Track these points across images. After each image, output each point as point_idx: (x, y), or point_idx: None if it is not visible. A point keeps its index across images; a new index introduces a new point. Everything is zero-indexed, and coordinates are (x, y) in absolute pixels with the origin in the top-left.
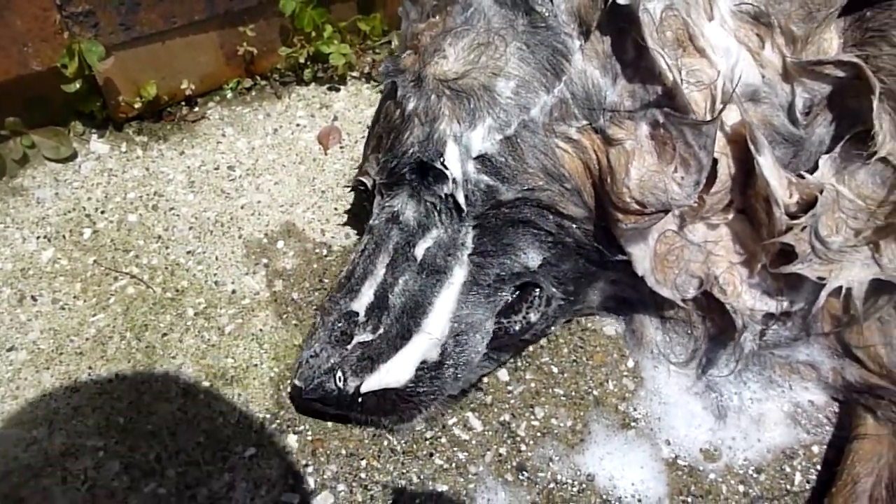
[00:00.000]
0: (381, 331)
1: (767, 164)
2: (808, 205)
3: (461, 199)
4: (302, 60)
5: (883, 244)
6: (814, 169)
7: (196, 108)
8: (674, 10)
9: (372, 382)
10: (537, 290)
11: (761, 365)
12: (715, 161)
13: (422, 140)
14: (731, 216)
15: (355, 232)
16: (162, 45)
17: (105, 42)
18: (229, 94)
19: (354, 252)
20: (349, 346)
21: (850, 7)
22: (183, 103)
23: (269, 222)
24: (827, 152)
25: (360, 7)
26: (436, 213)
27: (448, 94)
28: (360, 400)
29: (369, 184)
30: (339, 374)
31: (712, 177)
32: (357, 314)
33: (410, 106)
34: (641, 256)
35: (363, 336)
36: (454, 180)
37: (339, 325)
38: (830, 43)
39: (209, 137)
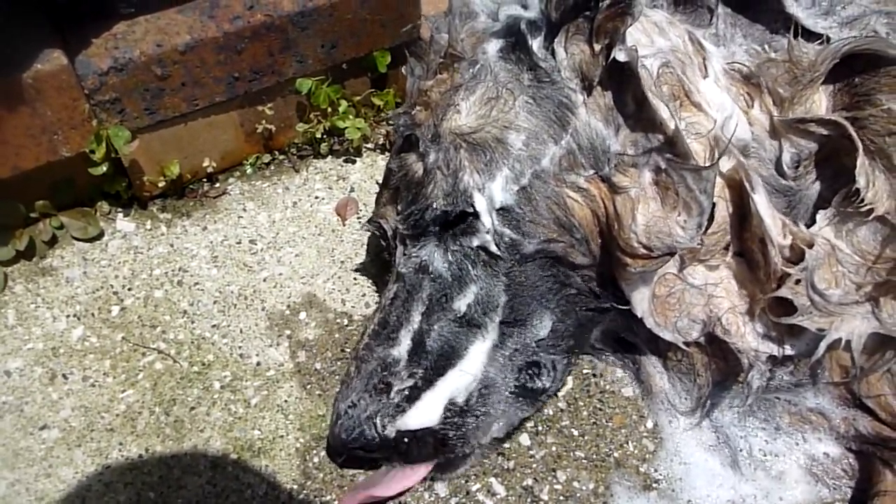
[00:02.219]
0: (419, 374)
1: (762, 201)
2: (802, 254)
3: (495, 249)
4: (318, 135)
5: (882, 300)
6: (812, 223)
7: (217, 185)
8: (670, 67)
9: (408, 421)
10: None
11: (768, 413)
12: (713, 204)
13: (447, 191)
14: (729, 258)
15: (375, 301)
16: (184, 126)
17: (130, 126)
18: (249, 170)
19: (383, 299)
20: (390, 394)
21: (840, 75)
22: (205, 180)
23: (291, 294)
24: (825, 207)
25: (373, 82)
26: (470, 267)
27: (465, 146)
28: (401, 443)
29: (387, 227)
30: (378, 420)
31: (710, 218)
32: (397, 361)
33: (431, 159)
34: (640, 299)
35: (404, 383)
36: (487, 231)
37: (378, 372)
38: (819, 105)
39: (231, 213)
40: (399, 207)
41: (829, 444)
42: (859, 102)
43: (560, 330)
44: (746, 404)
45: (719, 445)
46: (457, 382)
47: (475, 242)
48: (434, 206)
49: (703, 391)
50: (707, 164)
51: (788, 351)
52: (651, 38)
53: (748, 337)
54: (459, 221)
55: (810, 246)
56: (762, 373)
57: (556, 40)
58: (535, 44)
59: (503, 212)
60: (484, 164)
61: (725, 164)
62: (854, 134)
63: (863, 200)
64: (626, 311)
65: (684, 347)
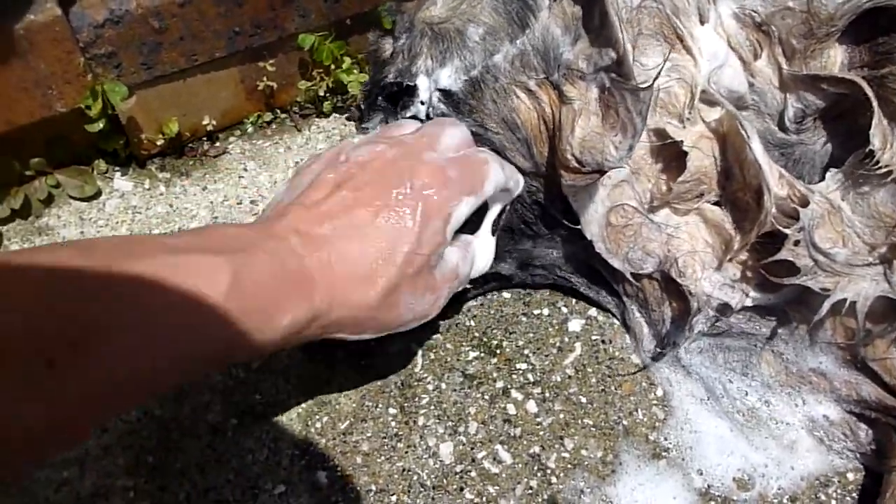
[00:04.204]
0: None
1: (759, 148)
2: (797, 215)
3: (423, 118)
4: (321, 93)
5: (895, 263)
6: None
7: (217, 143)
8: (658, 3)
9: None
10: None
11: (745, 362)
12: (685, 153)
13: (400, 71)
14: (701, 205)
15: None
16: (183, 83)
17: (127, 82)
18: (250, 129)
19: None
20: None
21: (861, 31)
22: (204, 139)
23: None
24: (838, 167)
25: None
26: None
27: (430, 34)
28: None
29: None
30: None
31: (681, 167)
32: None
33: (400, 43)
34: (589, 220)
35: None
36: (421, 102)
37: None
38: (834, 60)
39: (231, 172)
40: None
41: (828, 407)
42: (880, 61)
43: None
44: (690, 347)
45: (722, 403)
46: None
47: (408, 114)
48: (387, 81)
49: (658, 328)
50: (645, 86)
51: (748, 302)
52: None
53: (703, 282)
54: (403, 95)
55: (805, 204)
56: (708, 317)
57: None
58: None
59: (444, 93)
60: (440, 51)
61: (710, 115)
62: (871, 93)
63: (878, 162)
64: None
65: (632, 280)
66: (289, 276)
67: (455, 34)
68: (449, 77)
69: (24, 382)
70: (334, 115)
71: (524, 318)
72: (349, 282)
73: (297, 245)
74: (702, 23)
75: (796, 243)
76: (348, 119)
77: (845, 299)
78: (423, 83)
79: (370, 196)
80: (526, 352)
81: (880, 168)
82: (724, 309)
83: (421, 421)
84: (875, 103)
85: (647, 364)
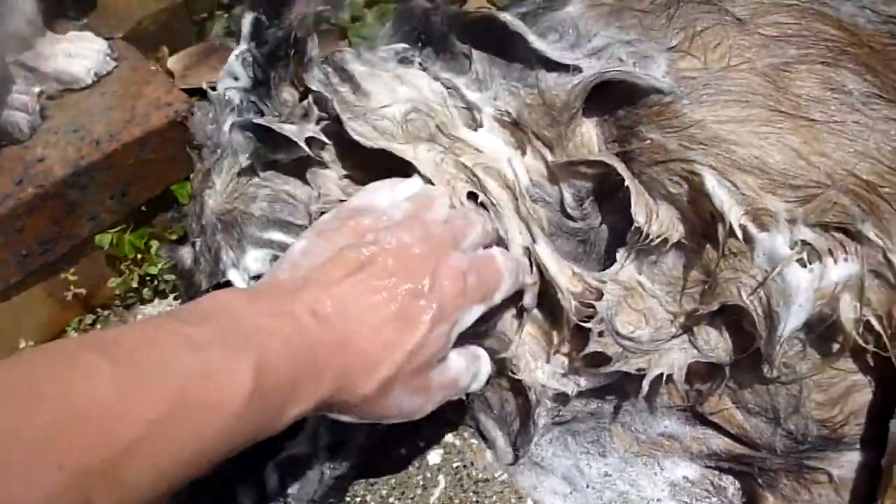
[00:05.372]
0: None
1: (544, 250)
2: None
3: None
4: (135, 285)
5: (696, 329)
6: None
7: None
8: (419, 112)
9: None
10: None
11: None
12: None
13: (209, 273)
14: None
15: None
16: None
17: None
18: (74, 335)
19: None
20: None
21: (605, 105)
22: None
23: None
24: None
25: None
26: None
27: (220, 227)
28: None
29: None
30: None
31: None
32: None
33: (197, 247)
34: None
35: None
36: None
37: None
38: (590, 138)
39: None
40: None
41: (686, 467)
42: (626, 136)
43: None
44: (542, 441)
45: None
46: None
47: None
48: (202, 289)
49: (509, 429)
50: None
51: (584, 386)
52: (392, 88)
53: (537, 373)
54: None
55: (599, 297)
56: (548, 409)
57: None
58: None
59: (257, 278)
60: (236, 240)
61: (523, 209)
62: (623, 171)
63: (648, 236)
64: None
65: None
66: (303, 367)
67: (242, 217)
68: (255, 261)
69: None
70: (157, 299)
71: (383, 464)
72: (354, 370)
73: (311, 326)
74: (476, 129)
75: (601, 334)
76: (175, 298)
77: (661, 374)
78: (234, 276)
79: (390, 286)
80: (391, 500)
81: (653, 240)
82: (562, 397)
83: None
84: (628, 181)
85: (510, 474)
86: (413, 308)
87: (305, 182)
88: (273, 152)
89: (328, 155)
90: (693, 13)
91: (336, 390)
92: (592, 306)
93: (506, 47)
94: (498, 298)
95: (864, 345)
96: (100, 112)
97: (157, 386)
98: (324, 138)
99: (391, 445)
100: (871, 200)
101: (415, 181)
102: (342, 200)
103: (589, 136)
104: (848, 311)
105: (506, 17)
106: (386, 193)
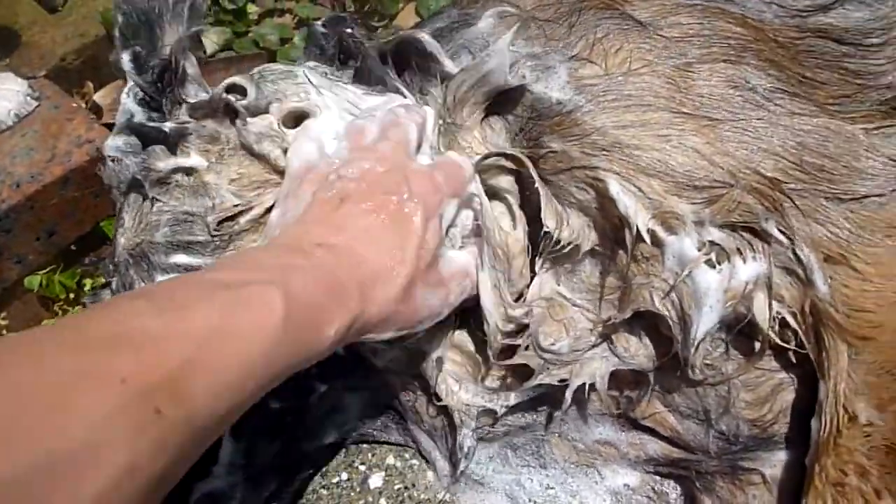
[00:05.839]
0: None
1: (484, 280)
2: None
3: None
4: None
5: (615, 336)
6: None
7: None
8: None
9: None
10: None
11: (539, 454)
12: None
13: None
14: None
15: None
16: None
17: None
18: None
19: None
20: None
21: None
22: None
23: None
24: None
25: None
26: None
27: (132, 261)
28: None
29: None
30: None
31: None
32: None
33: (114, 285)
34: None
35: None
36: None
37: None
38: (502, 135)
39: None
40: None
41: (626, 475)
42: (533, 147)
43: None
44: (481, 458)
45: None
46: None
47: None
48: None
49: (447, 449)
50: None
51: (512, 401)
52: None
53: (461, 394)
54: None
55: (529, 313)
56: (472, 429)
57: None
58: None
59: None
60: (146, 271)
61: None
62: (532, 171)
63: (559, 241)
64: None
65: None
66: (328, 288)
67: (149, 247)
68: None
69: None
70: None
71: (324, 492)
72: (374, 281)
73: (324, 256)
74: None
75: (526, 347)
76: None
77: (584, 384)
78: None
79: (374, 207)
80: None
81: (565, 247)
82: (490, 414)
83: None
84: (538, 182)
85: (452, 493)
86: (403, 215)
87: (199, 195)
88: (156, 158)
89: (213, 157)
90: (593, 20)
91: (365, 304)
92: (520, 331)
93: (424, 63)
94: (470, 189)
95: (782, 343)
96: (21, 153)
97: (197, 315)
98: (188, 124)
99: (331, 472)
100: (774, 198)
101: (328, 120)
102: (236, 205)
103: (500, 132)
104: (762, 309)
105: (423, 36)
106: (312, 146)
